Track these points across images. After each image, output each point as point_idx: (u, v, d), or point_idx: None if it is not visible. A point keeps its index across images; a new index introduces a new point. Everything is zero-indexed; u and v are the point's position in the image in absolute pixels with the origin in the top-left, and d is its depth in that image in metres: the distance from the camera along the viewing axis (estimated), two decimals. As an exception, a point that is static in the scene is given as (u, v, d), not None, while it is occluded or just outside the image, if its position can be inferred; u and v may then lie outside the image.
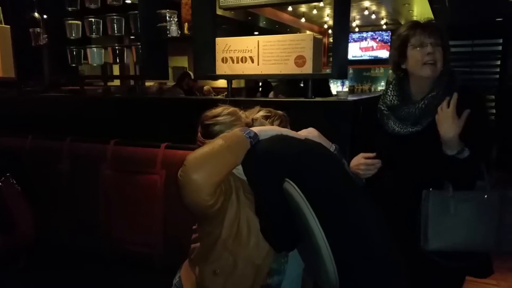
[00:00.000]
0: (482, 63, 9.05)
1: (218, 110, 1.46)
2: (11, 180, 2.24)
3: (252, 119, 1.49)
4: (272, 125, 1.49)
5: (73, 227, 2.35)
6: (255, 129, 1.34)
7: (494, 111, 8.55)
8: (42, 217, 2.29)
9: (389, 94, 1.72)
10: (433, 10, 7.17)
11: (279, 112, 1.57)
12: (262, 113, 1.54)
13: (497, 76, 8.97)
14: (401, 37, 1.64)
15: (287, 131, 1.39)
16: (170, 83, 6.41)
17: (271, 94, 3.95)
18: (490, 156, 1.59)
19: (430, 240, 1.51)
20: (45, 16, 2.86)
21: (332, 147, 1.51)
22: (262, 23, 9.05)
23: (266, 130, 1.36)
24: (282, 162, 1.24)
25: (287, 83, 3.54)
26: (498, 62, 8.98)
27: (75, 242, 2.31)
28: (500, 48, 8.93)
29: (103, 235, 2.27)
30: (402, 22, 8.93)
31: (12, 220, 2.12)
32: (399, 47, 1.64)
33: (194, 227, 1.52)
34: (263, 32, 9.18)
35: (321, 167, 1.26)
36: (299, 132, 1.47)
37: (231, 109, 1.48)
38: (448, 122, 1.43)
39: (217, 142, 1.27)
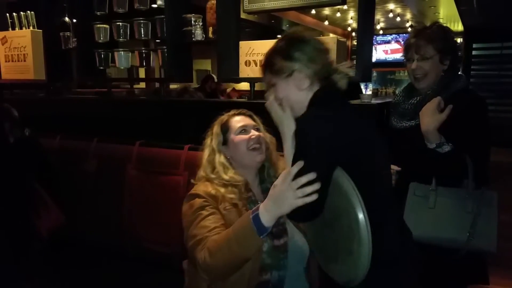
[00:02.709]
0: (511, 66, 8.81)
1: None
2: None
3: None
4: None
5: (97, 226, 2.42)
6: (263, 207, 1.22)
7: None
8: (68, 215, 2.35)
9: (397, 93, 1.86)
10: (460, 12, 7.03)
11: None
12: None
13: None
14: (404, 48, 1.76)
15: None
16: (194, 85, 6.49)
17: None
18: (484, 156, 1.60)
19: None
20: (74, 21, 2.96)
21: None
22: (285, 26, 9.05)
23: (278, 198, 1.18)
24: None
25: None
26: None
27: (98, 240, 2.38)
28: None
29: (126, 234, 2.33)
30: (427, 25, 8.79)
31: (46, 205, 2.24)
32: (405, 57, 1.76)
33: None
34: (287, 35, 9.17)
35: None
36: None
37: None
38: (428, 116, 1.52)
39: (228, 236, 1.26)
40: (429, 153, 1.52)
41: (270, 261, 1.41)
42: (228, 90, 7.44)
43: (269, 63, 1.29)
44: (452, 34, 1.71)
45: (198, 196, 1.45)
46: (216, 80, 5.44)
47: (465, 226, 1.50)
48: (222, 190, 1.48)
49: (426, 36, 1.65)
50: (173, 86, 4.75)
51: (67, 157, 2.61)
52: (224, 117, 1.63)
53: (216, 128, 1.60)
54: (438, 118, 1.48)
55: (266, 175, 1.60)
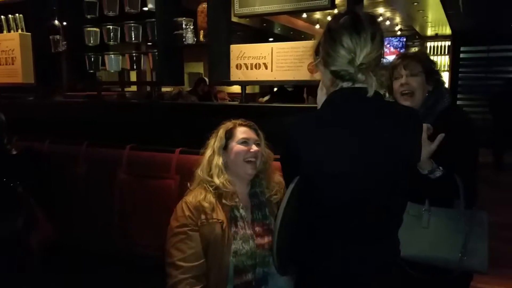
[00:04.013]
0: (498, 69, 8.96)
1: None
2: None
3: None
4: None
5: (88, 231, 2.40)
6: None
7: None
8: (59, 220, 2.33)
9: None
10: (448, 16, 7.13)
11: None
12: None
13: (514, 82, 8.84)
14: (390, 69, 1.75)
15: None
16: (186, 89, 6.48)
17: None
18: (472, 176, 1.62)
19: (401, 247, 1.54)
20: (64, 24, 2.94)
21: None
22: (277, 30, 9.09)
23: None
24: None
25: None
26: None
27: (90, 245, 2.35)
28: (516, 54, 8.83)
29: (118, 238, 2.31)
30: (417, 29, 8.90)
31: (36, 218, 2.19)
32: (390, 78, 1.75)
33: None
34: (278, 38, 9.21)
35: None
36: None
37: None
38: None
39: None
40: (422, 178, 1.51)
41: (252, 262, 1.51)
42: (220, 94, 7.46)
43: None
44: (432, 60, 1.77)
45: (183, 211, 1.57)
46: (208, 83, 5.45)
47: (458, 246, 1.52)
48: (214, 202, 1.58)
49: (413, 56, 1.71)
50: (165, 89, 4.75)
51: (57, 162, 2.59)
52: (230, 123, 1.70)
53: (221, 132, 1.68)
54: (429, 149, 1.47)
55: (257, 184, 1.68)
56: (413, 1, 6.42)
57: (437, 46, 9.73)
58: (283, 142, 1.24)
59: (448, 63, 9.39)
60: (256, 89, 9.32)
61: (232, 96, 7.63)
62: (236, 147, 1.63)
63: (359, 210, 1.18)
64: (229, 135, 1.66)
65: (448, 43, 9.38)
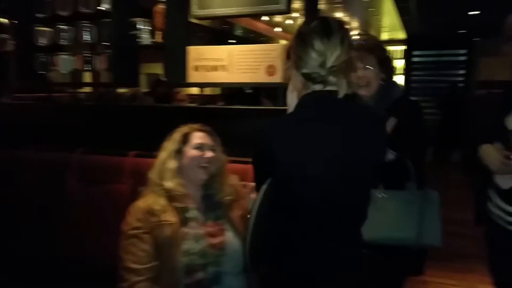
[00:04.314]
0: (447, 72, 9.41)
1: None
2: None
3: None
4: None
5: (37, 239, 2.27)
6: None
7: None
8: (6, 229, 2.22)
9: None
10: (402, 22, 7.40)
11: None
12: None
13: (462, 85, 9.32)
14: None
15: None
16: (144, 90, 6.33)
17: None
18: (422, 158, 1.75)
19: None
20: (14, 22, 2.81)
21: None
22: (238, 32, 9.09)
23: None
24: None
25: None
26: (463, 72, 9.35)
27: (39, 254, 2.23)
28: (464, 58, 9.31)
29: (69, 247, 2.21)
30: (372, 33, 9.16)
31: None
32: None
33: None
34: (238, 40, 9.21)
35: None
36: None
37: None
38: None
39: None
40: None
41: (203, 261, 1.53)
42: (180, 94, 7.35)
43: None
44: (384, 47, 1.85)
45: (134, 215, 1.57)
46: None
47: (414, 225, 1.60)
48: (164, 204, 1.58)
49: (367, 48, 1.76)
50: (122, 90, 4.63)
51: (2, 167, 2.46)
52: (187, 128, 1.70)
53: (176, 136, 1.68)
54: None
55: (211, 187, 1.70)
56: (369, 6, 6.62)
57: (392, 51, 10.08)
58: (258, 143, 1.26)
59: (403, 67, 9.74)
60: (217, 91, 9.27)
61: (193, 97, 7.54)
62: (190, 152, 1.64)
63: (329, 209, 1.22)
64: (185, 139, 1.66)
65: (402, 47, 9.73)
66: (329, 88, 1.21)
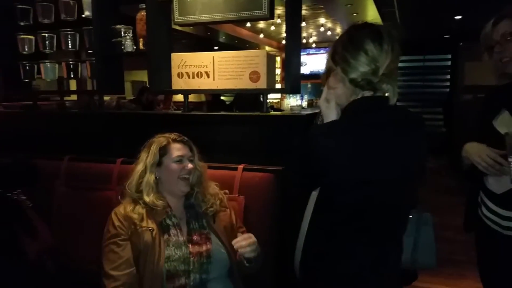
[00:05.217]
0: (433, 77, 9.53)
1: None
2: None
3: None
4: None
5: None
6: None
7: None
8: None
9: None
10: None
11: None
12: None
13: (447, 89, 9.45)
14: None
15: None
16: (129, 97, 6.33)
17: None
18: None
19: None
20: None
21: None
22: (221, 38, 9.13)
23: None
24: None
25: (245, 97, 3.59)
26: (448, 77, 9.47)
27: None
28: (449, 63, 9.43)
29: (58, 254, 2.20)
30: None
31: (34, 227, 2.06)
32: None
33: None
34: (223, 47, 9.25)
35: None
36: None
37: None
38: None
39: None
40: None
41: (186, 267, 1.52)
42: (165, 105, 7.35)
43: None
44: None
45: (113, 222, 1.60)
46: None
47: (408, 249, 1.54)
48: (143, 212, 1.59)
49: None
50: (107, 97, 4.62)
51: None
52: (163, 139, 1.67)
53: (154, 148, 1.65)
54: None
55: (193, 197, 1.70)
56: (351, 12, 6.70)
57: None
58: (306, 150, 1.22)
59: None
60: (203, 97, 9.29)
61: (178, 104, 7.54)
62: (171, 165, 1.63)
63: (384, 213, 1.22)
64: (163, 151, 1.65)
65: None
66: (379, 94, 1.21)
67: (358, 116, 1.21)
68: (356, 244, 1.24)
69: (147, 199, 1.60)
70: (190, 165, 1.64)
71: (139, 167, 1.65)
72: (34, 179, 2.21)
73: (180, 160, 1.64)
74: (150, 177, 1.63)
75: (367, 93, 1.21)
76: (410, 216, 1.57)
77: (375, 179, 1.18)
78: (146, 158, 1.65)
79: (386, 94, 1.22)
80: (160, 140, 1.67)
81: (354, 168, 1.17)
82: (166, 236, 1.56)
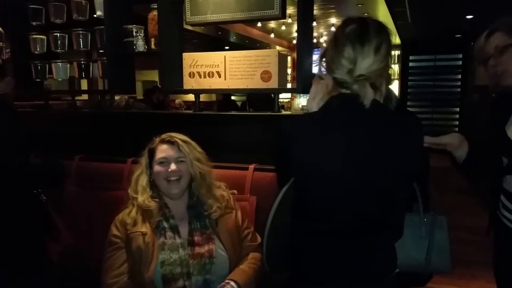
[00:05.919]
0: (444, 77, 9.42)
1: None
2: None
3: None
4: None
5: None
6: None
7: (457, 122, 8.93)
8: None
9: None
10: (397, 27, 7.44)
11: None
12: None
13: (459, 89, 9.34)
14: None
15: None
16: (140, 97, 6.36)
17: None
18: (426, 179, 1.69)
19: None
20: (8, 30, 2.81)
21: None
22: (232, 38, 9.14)
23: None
24: None
25: (259, 96, 3.56)
26: (459, 76, 9.36)
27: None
28: (460, 63, 9.33)
29: (67, 254, 2.21)
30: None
31: (57, 228, 2.07)
32: None
33: None
34: (233, 46, 9.26)
35: None
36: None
37: None
38: None
39: None
40: None
41: (185, 269, 1.51)
42: (177, 101, 7.38)
43: None
44: None
45: (111, 231, 1.61)
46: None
47: (422, 251, 1.55)
48: (137, 216, 1.60)
49: None
50: (117, 97, 4.63)
51: None
52: (155, 140, 1.67)
53: (146, 150, 1.68)
54: None
55: (195, 197, 1.67)
56: (362, 11, 6.66)
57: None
58: (279, 142, 1.25)
59: (398, 72, 9.78)
60: (213, 97, 9.31)
61: (188, 104, 7.57)
62: (155, 167, 1.62)
63: (347, 213, 1.19)
64: (151, 153, 1.65)
65: (397, 52, 9.77)
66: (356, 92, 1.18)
67: (326, 111, 1.22)
68: (319, 241, 1.24)
69: (139, 200, 1.60)
70: (173, 167, 1.59)
71: (138, 170, 1.68)
72: (62, 179, 2.22)
73: (162, 162, 1.60)
74: (143, 179, 1.64)
75: (344, 91, 1.20)
76: (425, 220, 1.56)
77: (334, 175, 1.17)
78: (142, 160, 1.68)
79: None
80: (153, 141, 1.67)
81: (314, 162, 1.18)
82: (161, 239, 1.54)
